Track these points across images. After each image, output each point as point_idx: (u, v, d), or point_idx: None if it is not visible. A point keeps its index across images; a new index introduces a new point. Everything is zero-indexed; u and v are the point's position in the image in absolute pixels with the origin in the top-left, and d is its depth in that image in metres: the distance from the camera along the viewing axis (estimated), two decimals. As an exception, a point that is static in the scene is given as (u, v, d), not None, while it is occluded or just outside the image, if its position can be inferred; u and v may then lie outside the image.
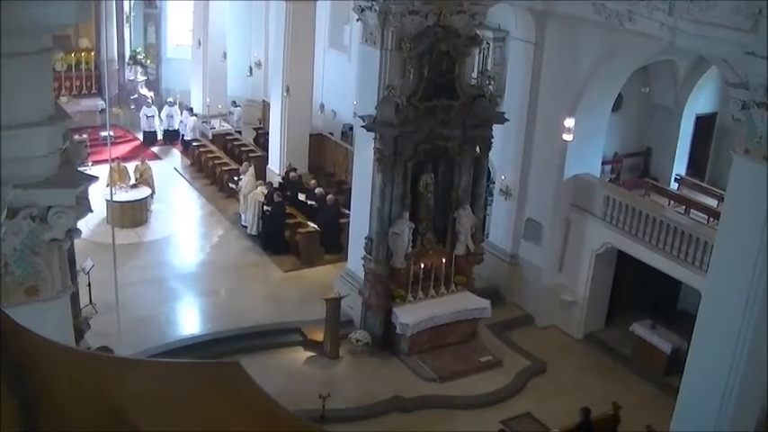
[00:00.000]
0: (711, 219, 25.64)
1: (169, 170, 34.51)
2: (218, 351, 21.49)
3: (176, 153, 36.56)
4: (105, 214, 27.47)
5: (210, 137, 36.51)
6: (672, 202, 28.28)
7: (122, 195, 28.93)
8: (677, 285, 23.78)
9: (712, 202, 27.43)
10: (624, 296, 25.19)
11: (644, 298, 24.93)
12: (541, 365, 23.24)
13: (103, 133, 33.08)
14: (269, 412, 4.00)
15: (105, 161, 29.97)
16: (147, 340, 21.48)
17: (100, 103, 36.00)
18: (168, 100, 38.18)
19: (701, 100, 29.68)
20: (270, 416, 3.98)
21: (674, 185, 29.89)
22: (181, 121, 36.89)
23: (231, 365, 4.07)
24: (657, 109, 30.04)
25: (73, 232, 9.75)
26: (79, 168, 10.60)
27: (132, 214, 29.08)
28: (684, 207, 27.59)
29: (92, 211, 11.16)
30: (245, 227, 29.11)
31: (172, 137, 37.37)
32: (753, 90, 14.61)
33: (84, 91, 37.40)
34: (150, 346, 21.12)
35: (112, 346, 18.84)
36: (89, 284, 22.07)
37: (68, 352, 4.50)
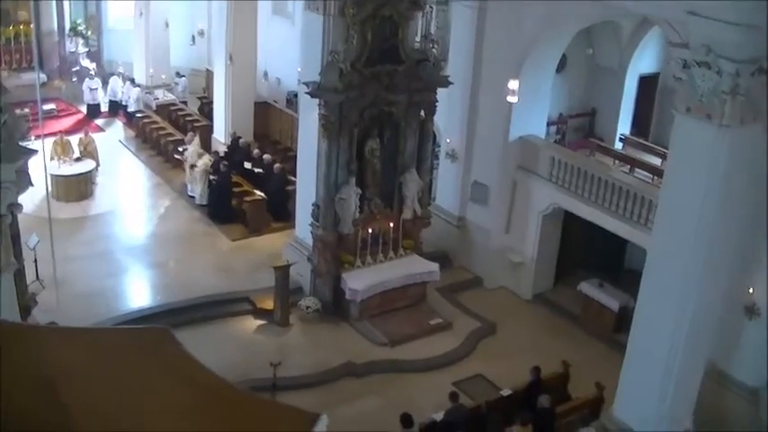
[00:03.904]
0: (656, 177, 25.90)
1: (114, 142, 34.16)
2: (168, 322, 21.09)
3: (120, 125, 36.16)
4: (50, 189, 27.17)
5: (154, 107, 36.21)
6: (617, 161, 28.56)
7: (66, 169, 28.66)
8: (623, 244, 23.98)
9: (656, 161, 27.71)
10: (572, 256, 25.36)
11: (591, 257, 25.17)
12: (491, 327, 23.38)
13: (45, 107, 32.77)
14: (197, 376, 4.00)
15: (48, 135, 29.70)
16: (94, 314, 21.24)
17: (41, 77, 35.44)
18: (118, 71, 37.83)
19: (645, 60, 29.90)
20: (198, 380, 3.98)
21: (618, 145, 30.14)
22: (123, 93, 36.48)
23: (159, 331, 4.06)
24: (601, 70, 30.22)
25: (14, 207, 9.65)
26: (20, 143, 10.47)
27: (77, 188, 28.78)
28: (629, 166, 27.86)
29: (32, 184, 11.07)
30: (192, 197, 28.96)
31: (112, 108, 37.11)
32: (693, 50, 14.69)
33: (24, 64, 36.71)
34: (98, 320, 20.90)
35: (60, 321, 18.69)
36: (35, 260, 21.83)
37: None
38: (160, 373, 3.87)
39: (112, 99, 37.00)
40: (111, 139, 34.50)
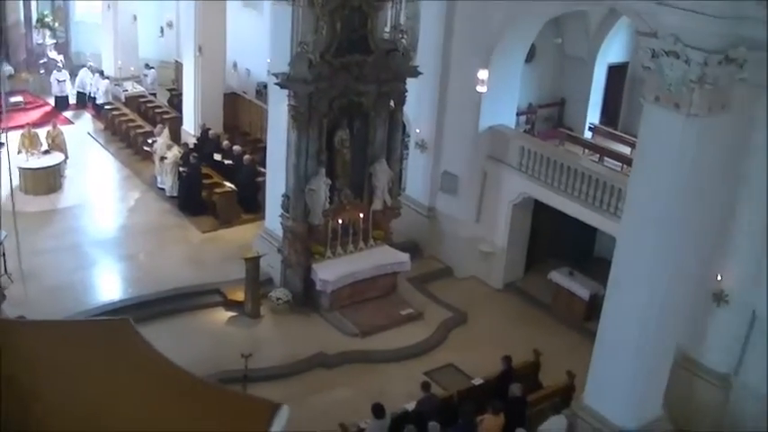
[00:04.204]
0: (625, 166, 26.02)
1: (82, 135, 33.97)
2: (139, 315, 21.02)
3: (89, 117, 35.98)
4: (18, 182, 27.01)
5: (123, 100, 36.06)
6: (586, 150, 28.69)
7: (35, 162, 28.44)
8: (593, 232, 24.10)
9: (626, 150, 27.85)
10: (542, 245, 25.47)
11: (561, 246, 25.25)
12: (462, 316, 23.44)
13: (12, 99, 32.63)
14: (159, 367, 3.99)
15: (15, 127, 29.52)
16: (64, 308, 21.07)
17: (8, 69, 35.16)
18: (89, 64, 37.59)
19: (613, 50, 30.05)
20: (159, 370, 3.97)
21: (588, 134, 30.26)
22: (91, 85, 36.30)
23: (120, 322, 4.05)
24: (570, 59, 30.32)
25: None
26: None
27: (46, 181, 28.56)
28: (599, 155, 27.98)
29: (-1, 178, 10.98)
30: (162, 189, 28.84)
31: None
32: (662, 39, 14.75)
33: (-10, 57, 36.47)
34: (68, 314, 20.72)
35: (29, 315, 18.54)
36: (3, 254, 21.64)
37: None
38: (121, 363, 3.87)
39: (80, 91, 36.79)
40: (80, 131, 34.31)
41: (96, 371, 3.84)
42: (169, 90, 37.70)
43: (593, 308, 22.26)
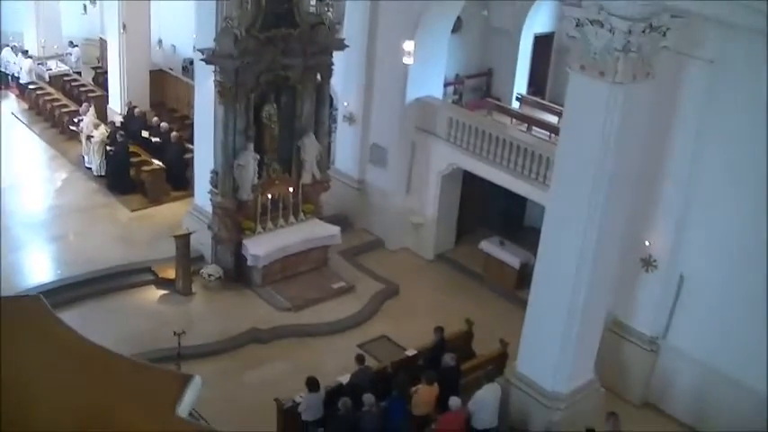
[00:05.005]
0: (553, 135, 26.17)
1: (6, 115, 33.42)
2: (69, 297, 21.14)
3: (13, 97, 35.44)
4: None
5: (47, 79, 35.53)
6: (514, 120, 28.76)
7: (-44, 144, 27.96)
8: (523, 202, 24.28)
9: (553, 119, 27.96)
10: (472, 215, 25.64)
11: (492, 216, 25.43)
12: (394, 288, 23.56)
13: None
14: (70, 343, 3.98)
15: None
16: (-8, 291, 20.87)
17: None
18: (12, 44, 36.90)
19: (539, 20, 30.15)
20: (71, 346, 3.97)
21: (515, 104, 30.35)
22: (14, 64, 35.73)
23: (31, 299, 4.03)
24: (496, 30, 30.35)
25: None
26: None
27: (-32, 163, 28.08)
28: (526, 125, 28.09)
29: None
30: (90, 168, 28.53)
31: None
32: (586, 8, 14.85)
33: None
34: (-3, 297, 20.51)
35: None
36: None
37: None
38: (32, 340, 3.85)
39: (2, 71, 36.21)
40: (3, 112, 33.76)
41: (7, 347, 3.82)
42: (94, 68, 37.26)
43: (524, 276, 22.46)
